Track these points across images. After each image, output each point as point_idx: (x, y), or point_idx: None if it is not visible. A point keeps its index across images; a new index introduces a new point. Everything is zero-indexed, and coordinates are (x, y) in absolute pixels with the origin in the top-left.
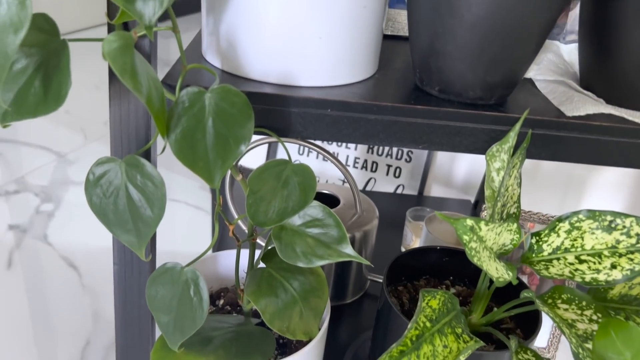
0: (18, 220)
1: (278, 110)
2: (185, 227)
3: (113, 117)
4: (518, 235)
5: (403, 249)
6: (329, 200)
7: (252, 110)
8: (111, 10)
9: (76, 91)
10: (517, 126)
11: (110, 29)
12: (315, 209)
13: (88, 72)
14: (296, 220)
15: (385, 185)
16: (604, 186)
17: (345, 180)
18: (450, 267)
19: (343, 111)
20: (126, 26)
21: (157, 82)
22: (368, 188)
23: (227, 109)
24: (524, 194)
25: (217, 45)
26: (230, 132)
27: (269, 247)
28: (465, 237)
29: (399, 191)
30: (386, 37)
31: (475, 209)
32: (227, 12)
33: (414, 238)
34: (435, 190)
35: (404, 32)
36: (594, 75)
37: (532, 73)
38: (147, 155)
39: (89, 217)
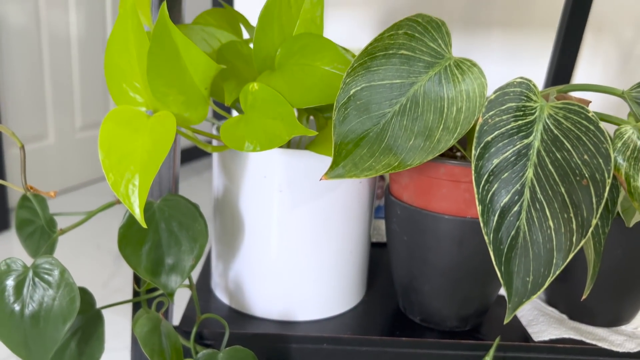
0: None
1: (280, 347)
2: None
3: None
4: None
5: None
6: None
7: None
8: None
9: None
10: (491, 353)
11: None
12: None
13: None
14: None
15: None
16: None
17: None
18: None
19: (336, 345)
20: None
21: (178, 343)
22: None
23: None
24: None
25: (226, 285)
26: None
27: None
28: None
29: None
30: (372, 245)
31: None
32: (234, 259)
33: None
34: None
35: None
36: (556, 293)
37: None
38: None
39: None
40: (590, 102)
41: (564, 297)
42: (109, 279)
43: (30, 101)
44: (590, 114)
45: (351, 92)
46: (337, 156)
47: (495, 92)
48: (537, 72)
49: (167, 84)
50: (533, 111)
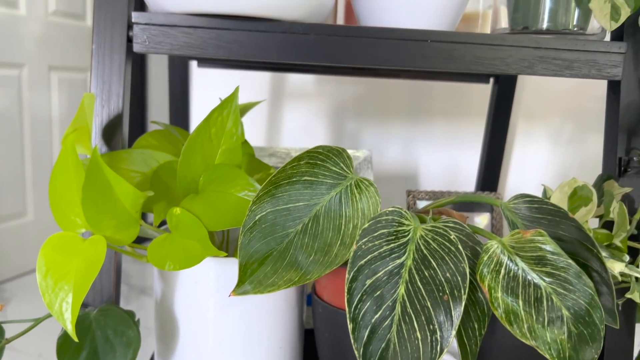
0: None
1: None
2: None
3: None
4: None
5: None
6: None
7: None
8: None
9: None
10: None
11: None
12: None
13: None
14: None
15: None
16: None
17: None
18: None
19: None
20: None
21: None
22: None
23: None
24: None
25: None
26: None
27: None
28: None
29: None
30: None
31: None
32: (174, 358)
33: None
34: None
35: None
36: None
37: None
38: None
39: None
40: (467, 217)
41: None
42: None
43: (9, 179)
44: (452, 237)
45: (257, 217)
46: (243, 275)
47: (369, 221)
48: (475, 155)
49: (100, 212)
50: (406, 233)
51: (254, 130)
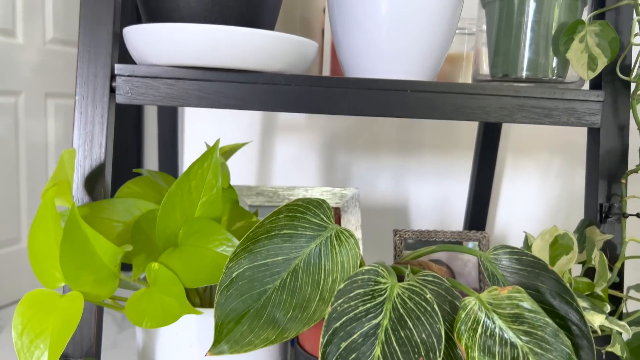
0: None
1: None
2: None
3: None
4: None
5: None
6: None
7: None
8: None
9: None
10: None
11: None
12: None
13: None
14: None
15: None
16: None
17: None
18: None
19: None
20: None
21: None
22: None
23: None
24: None
25: None
26: None
27: None
28: None
29: None
30: None
31: None
32: None
33: None
34: None
35: None
36: None
37: None
38: None
39: None
40: (444, 270)
41: None
42: None
43: (4, 205)
44: (428, 296)
45: (234, 274)
46: (219, 335)
47: (344, 281)
48: (465, 187)
49: (77, 268)
50: (383, 292)
51: (245, 162)
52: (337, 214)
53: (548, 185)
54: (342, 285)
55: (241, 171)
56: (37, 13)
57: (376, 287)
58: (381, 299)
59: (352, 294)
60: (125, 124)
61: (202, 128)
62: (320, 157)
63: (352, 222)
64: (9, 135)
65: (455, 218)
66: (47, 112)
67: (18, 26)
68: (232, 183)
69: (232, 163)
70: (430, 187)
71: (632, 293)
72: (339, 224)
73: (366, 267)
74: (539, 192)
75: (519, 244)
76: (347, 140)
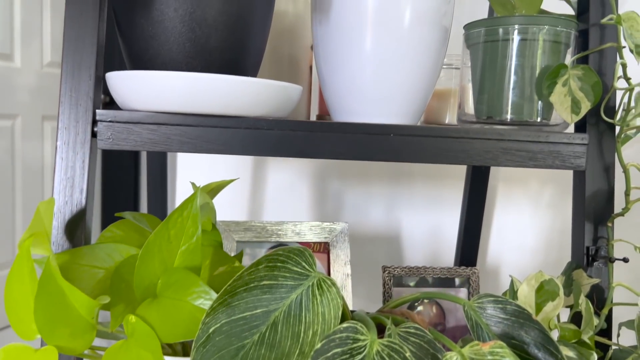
0: None
1: None
2: None
3: None
4: None
5: None
6: None
7: None
8: None
9: None
10: None
11: None
12: None
13: None
14: None
15: None
16: None
17: None
18: None
19: None
20: None
21: None
22: None
23: None
24: None
25: None
26: None
27: None
28: None
29: None
30: None
31: None
32: None
33: None
34: None
35: None
36: None
37: None
38: None
39: None
40: (426, 322)
41: None
42: None
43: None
44: (407, 354)
45: (210, 330)
46: None
47: (321, 340)
48: (456, 215)
49: (53, 321)
50: (362, 350)
51: (237, 190)
52: (326, 249)
53: (539, 215)
54: (319, 345)
55: (233, 201)
56: (35, 37)
57: (355, 345)
58: (360, 357)
59: (329, 354)
60: (122, 162)
61: (194, 157)
62: (312, 184)
63: (341, 257)
64: (6, 157)
65: (447, 248)
66: (44, 135)
67: (16, 50)
68: (221, 218)
69: (222, 195)
70: (422, 216)
71: (623, 330)
72: (328, 259)
73: (344, 325)
74: (531, 221)
75: (512, 272)
76: (339, 170)
